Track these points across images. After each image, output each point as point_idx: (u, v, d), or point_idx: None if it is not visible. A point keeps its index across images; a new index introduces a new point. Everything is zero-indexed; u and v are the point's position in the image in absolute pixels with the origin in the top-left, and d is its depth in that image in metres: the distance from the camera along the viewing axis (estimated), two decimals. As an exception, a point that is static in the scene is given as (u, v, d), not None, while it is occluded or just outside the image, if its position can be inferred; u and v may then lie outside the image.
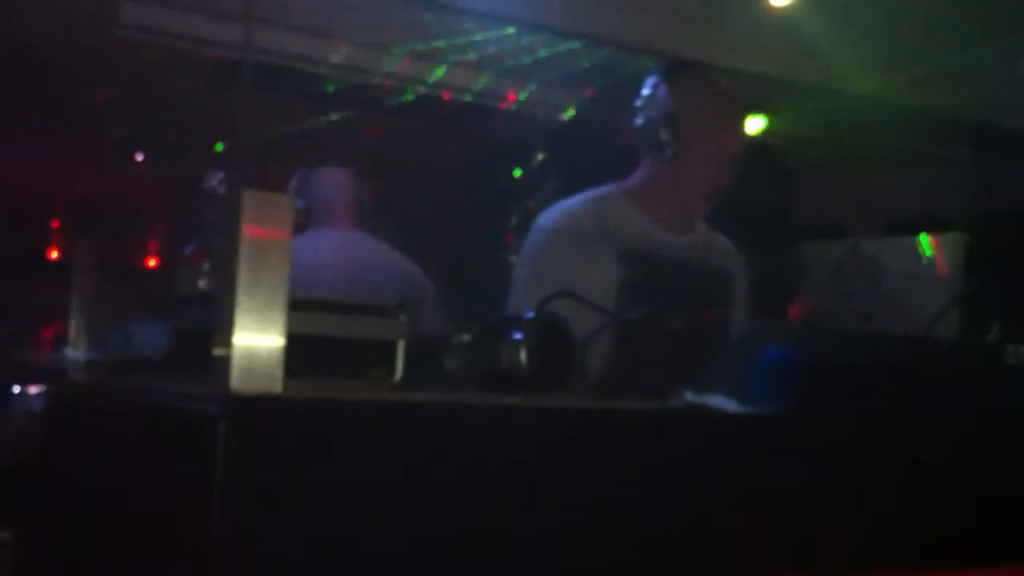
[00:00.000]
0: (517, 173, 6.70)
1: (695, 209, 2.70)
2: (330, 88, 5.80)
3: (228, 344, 1.35)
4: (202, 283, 1.68)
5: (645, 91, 2.66)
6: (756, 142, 2.75)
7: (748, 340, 1.99)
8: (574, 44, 5.10)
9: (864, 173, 5.61)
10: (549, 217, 2.64)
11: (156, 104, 6.11)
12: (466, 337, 1.80)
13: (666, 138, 2.59)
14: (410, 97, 5.84)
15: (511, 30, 4.93)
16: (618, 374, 2.34)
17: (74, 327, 2.45)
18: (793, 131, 5.33)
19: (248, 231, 1.36)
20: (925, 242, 2.43)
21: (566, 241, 2.57)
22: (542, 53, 5.32)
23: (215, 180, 1.82)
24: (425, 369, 1.65)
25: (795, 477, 1.67)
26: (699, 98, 2.63)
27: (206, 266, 1.69)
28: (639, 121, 2.65)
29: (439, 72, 5.67)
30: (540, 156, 6.41)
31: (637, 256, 2.56)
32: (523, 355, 1.64)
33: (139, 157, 7.14)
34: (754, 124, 4.96)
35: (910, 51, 5.03)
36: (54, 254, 9.65)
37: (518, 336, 1.66)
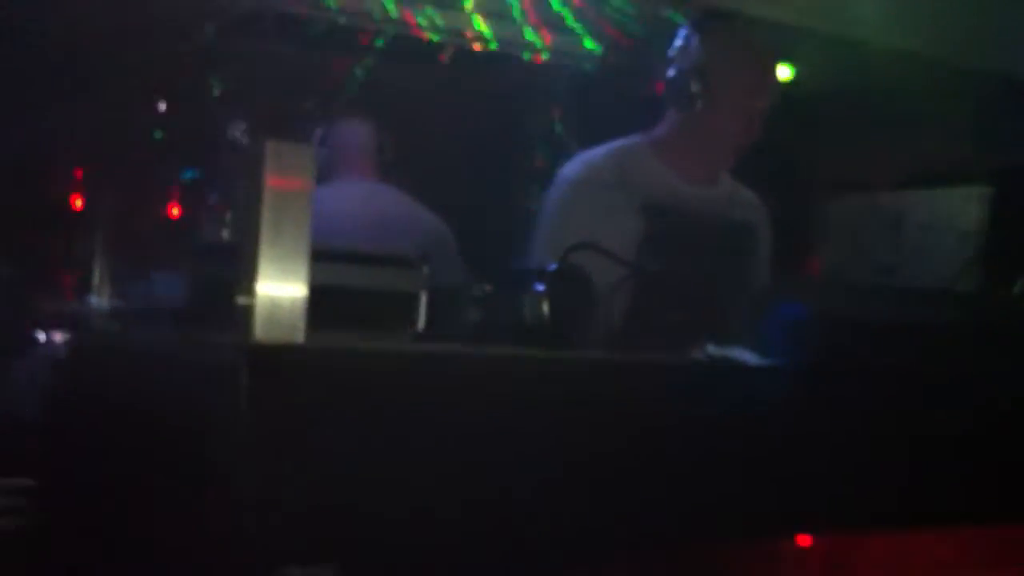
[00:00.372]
0: (549, 123, 6.66)
1: (720, 162, 2.69)
2: (351, 37, 5.77)
3: (251, 293, 1.35)
4: (225, 233, 1.69)
5: (677, 42, 2.64)
6: (783, 90, 2.72)
7: (770, 293, 1.99)
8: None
9: (886, 125, 5.56)
10: (571, 168, 2.64)
11: (178, 52, 6.09)
12: (487, 288, 1.80)
13: (695, 90, 2.58)
14: (433, 43, 5.81)
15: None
16: (639, 325, 2.34)
17: (97, 275, 2.47)
18: (815, 82, 5.29)
19: (270, 181, 1.37)
20: (945, 195, 2.42)
21: (587, 192, 2.57)
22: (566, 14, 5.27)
23: (238, 130, 1.82)
24: (447, 320, 1.66)
25: (815, 431, 1.67)
26: (730, 52, 2.61)
27: (229, 216, 1.69)
28: (669, 71, 2.63)
29: (465, 20, 5.64)
30: (563, 106, 6.37)
31: (659, 208, 2.55)
32: (544, 307, 1.64)
33: (162, 106, 7.13)
34: (781, 72, 4.92)
35: (938, 3, 4.97)
36: (78, 203, 9.69)
37: (539, 288, 1.66)
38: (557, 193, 2.62)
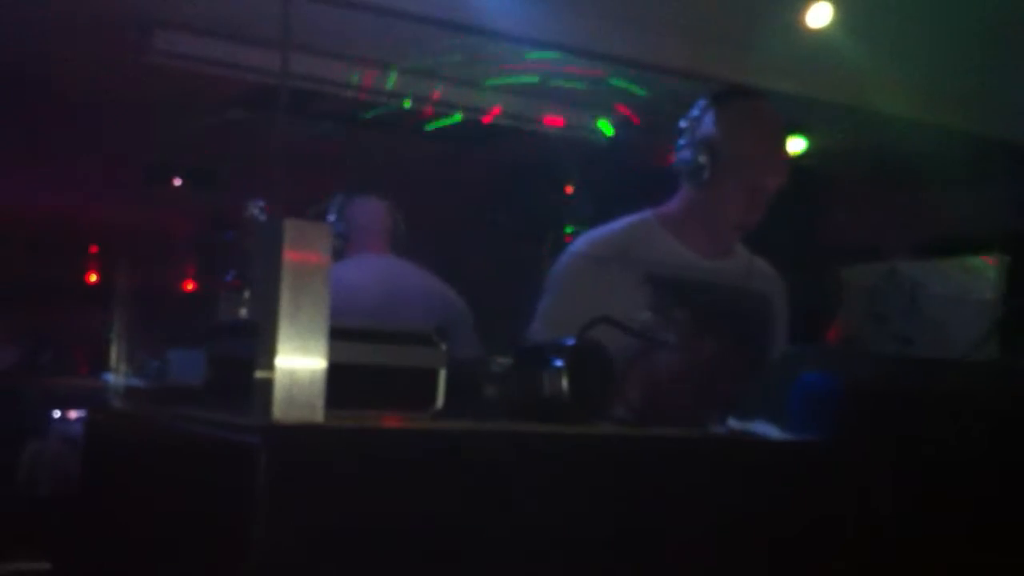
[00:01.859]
0: (559, 196, 6.71)
1: (729, 236, 2.68)
2: (367, 113, 5.84)
3: (270, 368, 1.35)
4: (242, 311, 1.68)
5: (692, 114, 2.65)
6: (794, 163, 2.71)
7: (788, 365, 1.98)
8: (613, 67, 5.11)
9: (902, 193, 5.58)
10: (577, 243, 2.64)
11: (192, 129, 6.16)
12: (503, 361, 1.78)
13: (702, 163, 2.58)
14: (448, 122, 5.87)
15: (553, 55, 4.95)
16: (657, 399, 2.32)
17: (113, 352, 2.46)
18: (831, 151, 5.32)
19: (290, 256, 1.37)
20: (965, 264, 2.41)
21: (589, 267, 2.57)
22: (580, 84, 5.33)
23: (255, 208, 1.82)
24: (464, 395, 1.64)
25: (838, 505, 1.65)
26: (741, 127, 2.60)
27: (246, 294, 1.69)
28: (680, 144, 2.64)
29: (477, 96, 5.70)
30: (577, 179, 6.41)
31: (667, 282, 2.55)
32: (564, 383, 1.63)
33: (176, 182, 7.20)
34: (794, 145, 4.96)
35: (947, 71, 5.01)
36: (93, 278, 9.73)
37: (558, 363, 1.64)
38: (561, 267, 2.63)
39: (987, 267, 2.32)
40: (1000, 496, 1.81)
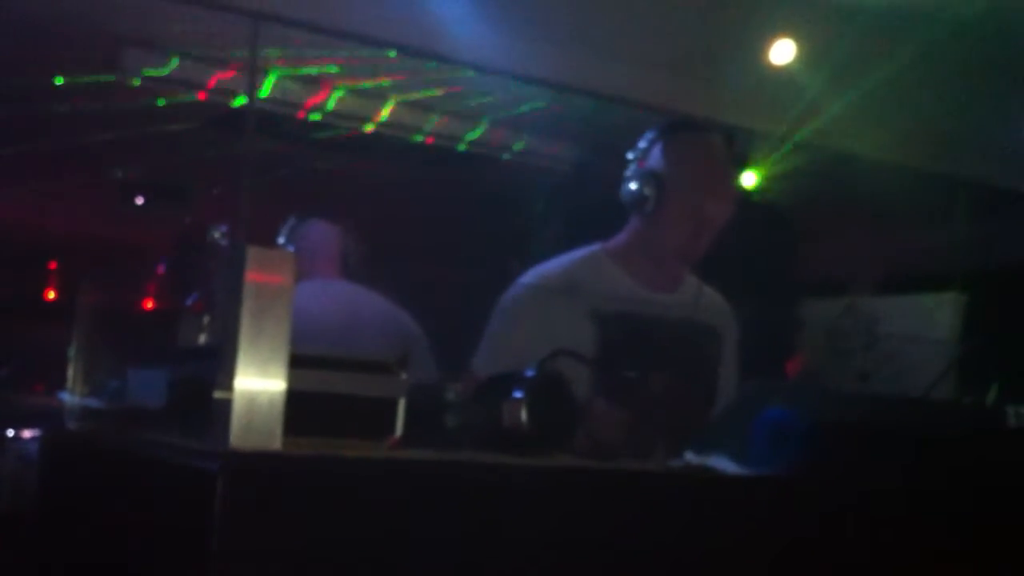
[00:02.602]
0: (514, 223, 6.72)
1: (671, 269, 2.68)
2: (325, 135, 5.84)
3: (229, 393, 1.35)
4: (202, 336, 1.68)
5: (639, 145, 2.66)
6: (755, 199, 2.72)
7: (748, 400, 1.99)
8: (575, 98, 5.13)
9: (863, 230, 5.63)
10: (524, 277, 2.64)
11: (156, 148, 6.14)
12: (461, 388, 1.78)
13: (647, 194, 2.58)
14: (408, 143, 5.88)
15: (508, 82, 4.97)
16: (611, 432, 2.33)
17: (71, 371, 2.44)
18: (791, 188, 5.36)
19: (251, 280, 1.37)
20: (922, 301, 2.43)
21: (534, 300, 2.57)
22: (539, 104, 5.35)
23: (217, 232, 1.82)
24: (423, 424, 1.64)
25: (795, 539, 1.66)
26: (686, 159, 2.60)
27: (206, 319, 1.68)
28: (627, 175, 2.65)
29: (433, 120, 5.72)
30: (534, 207, 6.43)
31: (613, 316, 2.55)
32: (524, 414, 1.63)
33: (139, 200, 7.15)
34: (748, 179, 5.00)
35: (909, 109, 5.07)
36: (51, 295, 9.64)
37: (519, 394, 1.65)
38: (507, 298, 2.62)
39: (945, 304, 2.34)
40: (956, 530, 1.82)
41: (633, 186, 2.61)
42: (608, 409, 2.26)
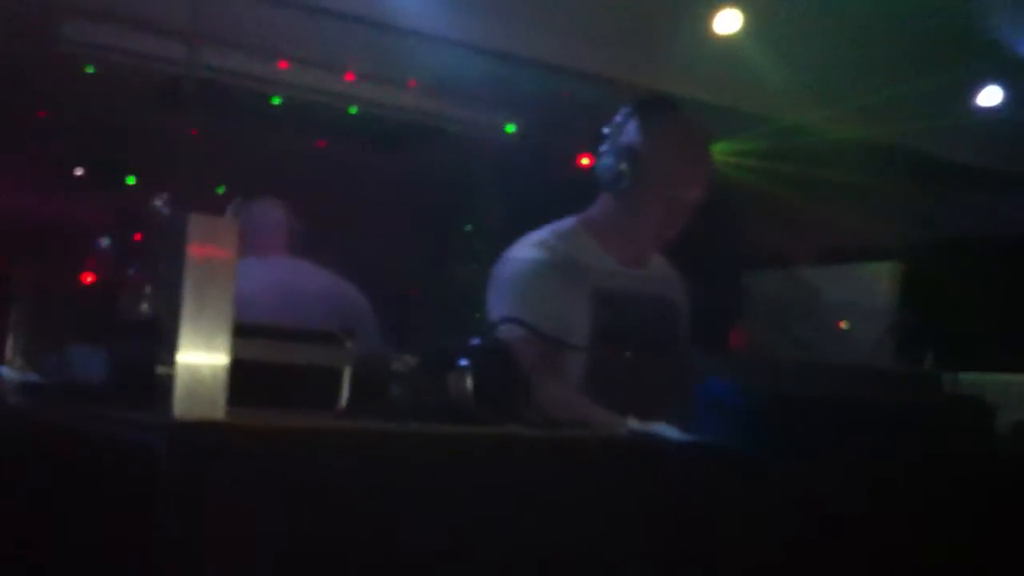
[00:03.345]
0: (460, 195, 6.71)
1: (648, 247, 2.69)
2: (272, 106, 5.79)
3: (171, 364, 1.34)
4: (144, 307, 1.66)
5: (615, 120, 2.64)
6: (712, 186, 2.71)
7: (691, 369, 2.01)
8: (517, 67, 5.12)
9: (803, 201, 5.68)
10: (526, 249, 2.60)
11: (97, 121, 6.05)
12: (409, 360, 1.78)
13: (623, 171, 2.57)
14: (351, 115, 5.85)
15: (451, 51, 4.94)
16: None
17: (9, 345, 2.41)
18: (734, 159, 5.39)
19: (194, 251, 1.36)
20: (861, 270, 2.46)
21: (549, 274, 2.54)
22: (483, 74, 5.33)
23: (159, 202, 1.80)
24: (369, 395, 1.64)
25: (736, 507, 1.68)
26: (664, 139, 2.59)
27: (148, 289, 1.67)
28: (602, 150, 2.63)
29: (381, 92, 5.68)
30: (481, 179, 6.42)
31: (605, 293, 2.55)
32: (469, 383, 1.64)
33: (79, 172, 7.06)
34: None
35: (851, 81, 5.10)
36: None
37: (464, 364, 1.65)
38: (516, 273, 2.58)
39: (883, 275, 2.37)
40: (895, 497, 1.85)
41: (609, 162, 2.59)
42: (557, 386, 2.27)
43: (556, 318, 2.30)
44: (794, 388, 1.85)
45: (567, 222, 2.69)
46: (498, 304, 2.53)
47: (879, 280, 2.38)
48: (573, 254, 2.58)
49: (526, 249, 2.59)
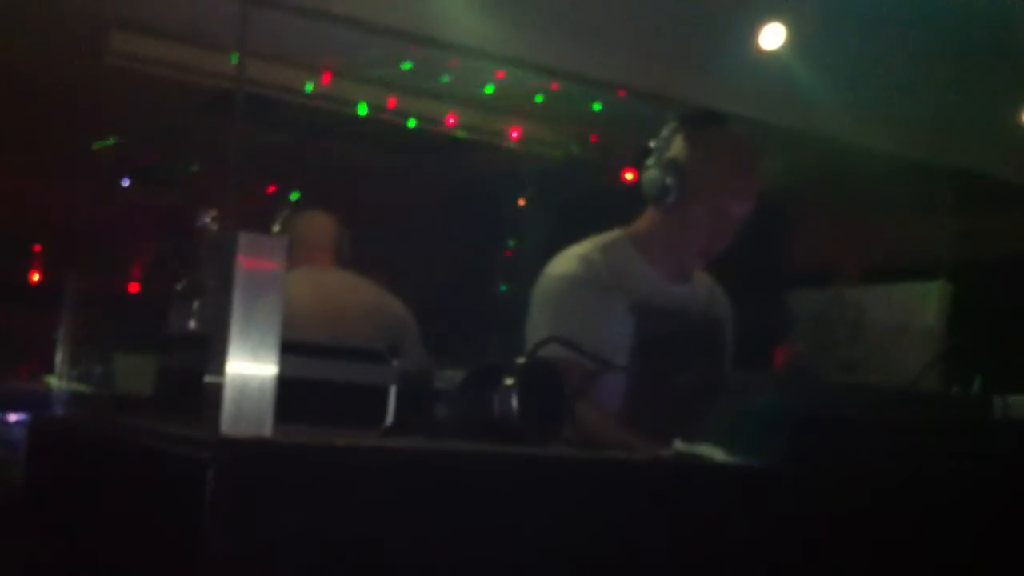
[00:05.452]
0: (511, 210, 6.72)
1: (694, 262, 2.67)
2: (320, 120, 5.82)
3: (220, 380, 1.34)
4: (192, 322, 1.67)
5: (663, 134, 2.62)
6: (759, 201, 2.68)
7: (736, 390, 1.99)
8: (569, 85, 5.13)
9: (850, 219, 5.64)
10: (565, 264, 2.59)
11: (144, 131, 6.11)
12: (452, 375, 1.78)
13: (669, 185, 2.55)
14: (404, 130, 5.87)
15: (508, 69, 4.96)
16: (631, 425, 2.33)
17: (58, 356, 2.43)
18: (779, 176, 5.37)
19: (243, 266, 1.37)
20: (909, 290, 2.43)
21: (586, 290, 2.52)
22: (538, 98, 5.35)
23: (208, 217, 1.81)
24: (414, 412, 1.64)
25: (783, 529, 1.67)
26: (711, 153, 2.57)
27: (196, 304, 1.68)
28: (648, 164, 2.61)
29: (435, 108, 5.71)
30: (530, 195, 6.42)
31: (648, 307, 2.54)
32: (514, 403, 1.63)
33: (125, 183, 7.13)
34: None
35: (898, 97, 5.07)
36: (35, 277, 9.60)
37: (509, 383, 1.64)
38: (554, 290, 2.56)
39: (931, 295, 2.35)
40: (943, 521, 1.83)
41: (655, 176, 2.57)
42: (596, 412, 2.26)
43: (595, 336, 2.28)
44: (840, 410, 1.83)
45: (612, 234, 2.68)
46: (538, 321, 2.53)
47: (927, 300, 2.36)
48: (616, 268, 2.57)
49: (567, 263, 2.58)
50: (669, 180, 2.54)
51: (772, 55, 4.73)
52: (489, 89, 5.38)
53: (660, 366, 2.41)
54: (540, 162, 6.15)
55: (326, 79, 5.38)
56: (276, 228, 3.67)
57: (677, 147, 2.58)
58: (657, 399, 2.36)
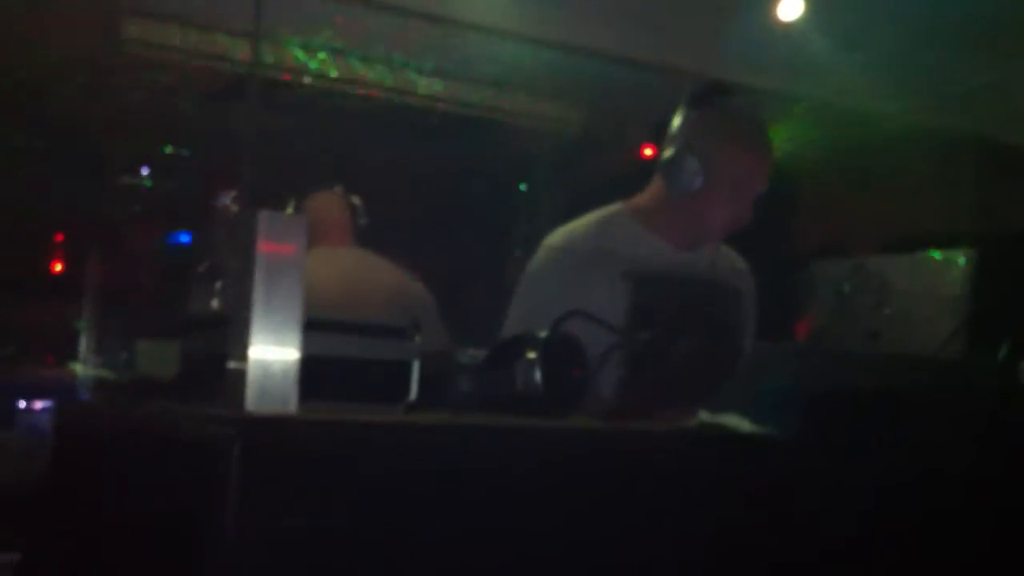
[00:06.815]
0: (521, 187, 6.71)
1: (708, 236, 2.65)
2: (331, 102, 5.82)
3: (243, 360, 1.35)
4: (214, 303, 1.67)
5: (676, 111, 2.60)
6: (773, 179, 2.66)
7: (758, 361, 1.99)
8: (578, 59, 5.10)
9: (872, 189, 5.61)
10: (552, 238, 2.61)
11: (161, 118, 6.12)
12: (475, 353, 1.78)
13: (690, 168, 2.53)
14: (409, 108, 5.87)
15: (514, 43, 4.94)
16: (632, 395, 2.32)
17: (82, 342, 2.44)
18: (798, 147, 5.34)
19: (264, 247, 1.37)
20: (930, 260, 2.42)
21: (567, 262, 2.54)
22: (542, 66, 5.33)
23: (227, 199, 1.81)
24: (435, 388, 1.64)
25: (807, 499, 1.66)
26: (725, 131, 2.56)
27: (218, 285, 1.68)
28: (664, 144, 2.59)
29: (435, 85, 5.70)
30: (539, 170, 6.41)
31: (644, 275, 2.53)
32: (537, 375, 1.63)
33: (144, 171, 7.15)
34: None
35: (915, 68, 5.03)
36: (58, 267, 9.63)
37: (531, 356, 1.64)
38: (537, 263, 2.59)
39: (955, 262, 2.33)
40: (966, 493, 1.82)
41: (672, 157, 2.56)
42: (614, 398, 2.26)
43: (565, 308, 2.25)
44: (864, 380, 1.83)
45: (610, 208, 2.67)
46: (520, 294, 2.55)
47: (951, 270, 2.35)
48: (610, 238, 2.57)
49: (550, 240, 2.60)
50: (688, 163, 2.53)
51: (789, 26, 4.70)
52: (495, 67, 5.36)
53: (663, 331, 2.39)
54: (553, 139, 6.13)
55: (337, 61, 5.38)
56: (289, 210, 3.66)
57: (692, 124, 2.56)
58: (667, 369, 2.35)
